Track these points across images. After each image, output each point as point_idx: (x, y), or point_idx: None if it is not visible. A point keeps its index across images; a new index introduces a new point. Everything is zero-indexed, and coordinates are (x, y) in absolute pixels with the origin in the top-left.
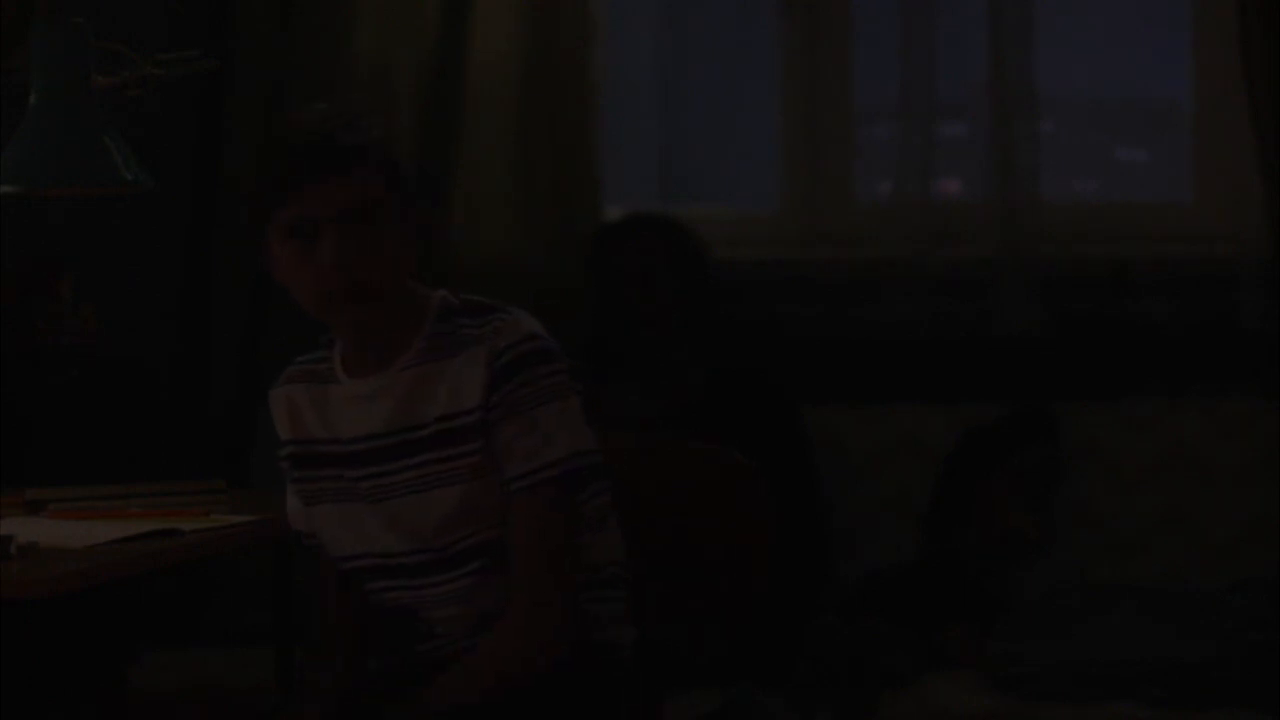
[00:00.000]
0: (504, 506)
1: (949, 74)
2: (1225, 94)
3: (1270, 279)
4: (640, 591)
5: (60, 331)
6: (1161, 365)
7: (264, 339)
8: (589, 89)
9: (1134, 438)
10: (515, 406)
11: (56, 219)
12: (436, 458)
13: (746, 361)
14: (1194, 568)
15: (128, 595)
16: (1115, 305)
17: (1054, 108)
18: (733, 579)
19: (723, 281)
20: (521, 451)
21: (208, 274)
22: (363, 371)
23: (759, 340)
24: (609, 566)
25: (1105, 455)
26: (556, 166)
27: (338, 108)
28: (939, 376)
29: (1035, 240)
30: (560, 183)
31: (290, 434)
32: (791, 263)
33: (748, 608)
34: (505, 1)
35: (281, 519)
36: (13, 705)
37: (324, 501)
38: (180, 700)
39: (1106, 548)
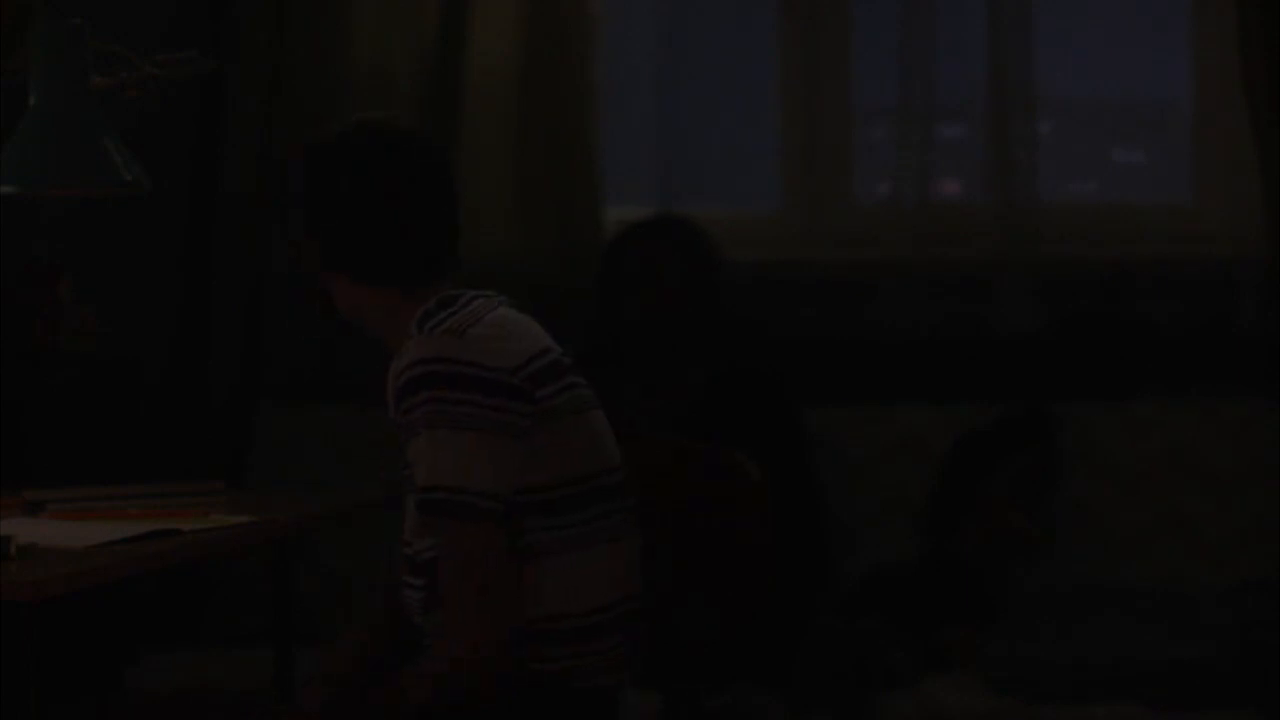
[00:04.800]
0: None
1: (948, 75)
2: (1224, 94)
3: (1269, 280)
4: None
5: (59, 332)
6: (1161, 366)
7: (263, 340)
8: (589, 89)
9: (1133, 439)
10: (405, 432)
11: (55, 220)
12: (405, 462)
13: (747, 361)
14: (1193, 569)
15: (127, 595)
16: (1115, 306)
17: (1053, 108)
18: (733, 579)
19: (723, 282)
20: (414, 475)
21: (207, 275)
22: None
23: (759, 340)
24: (588, 614)
25: (1105, 456)
26: (556, 167)
27: (308, 151)
28: (939, 377)
29: (1034, 241)
30: (560, 184)
31: None
32: (791, 263)
33: (748, 608)
34: (504, 3)
35: (278, 520)
36: (12, 705)
37: None
38: (179, 701)
39: (1106, 548)
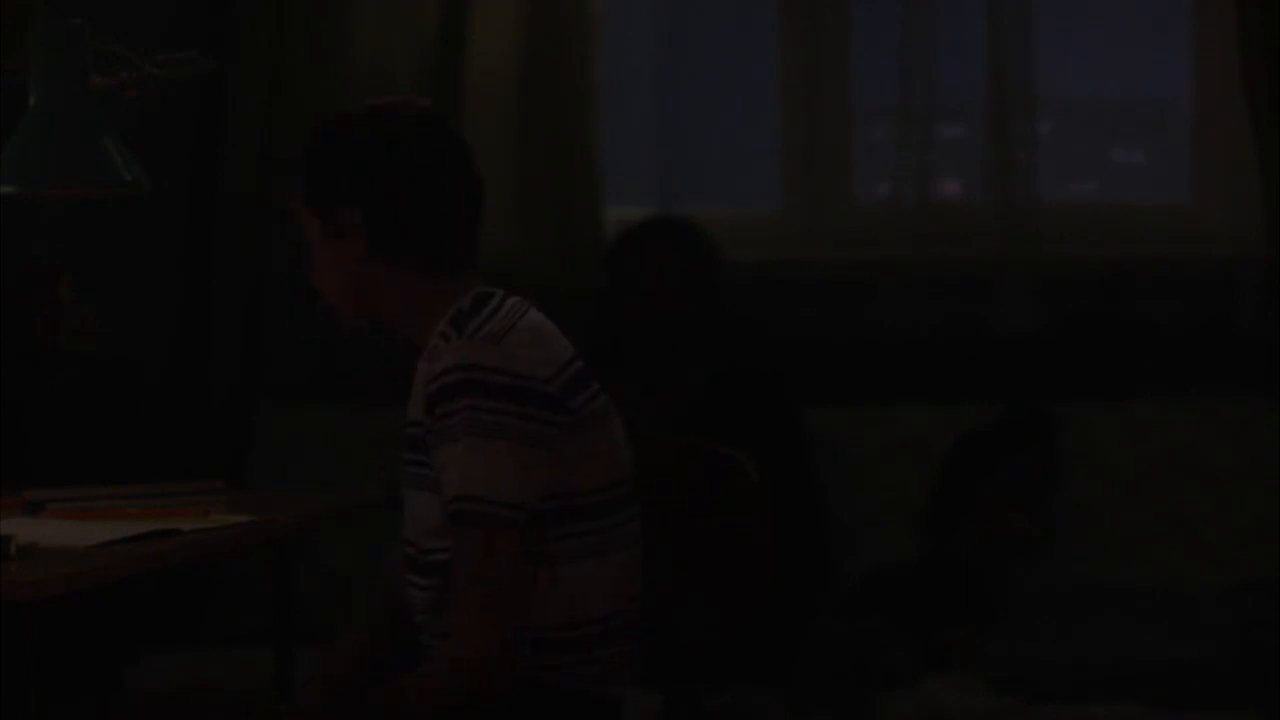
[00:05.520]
0: None
1: (948, 75)
2: (1224, 94)
3: (1269, 280)
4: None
5: (59, 333)
6: (1161, 366)
7: (263, 340)
8: (589, 89)
9: (1133, 439)
10: (437, 437)
11: (55, 220)
12: (424, 459)
13: (747, 362)
14: (1193, 569)
15: (127, 595)
16: (1115, 306)
17: (1053, 108)
18: (733, 579)
19: (723, 282)
20: (442, 484)
21: (207, 275)
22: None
23: (759, 340)
24: (599, 621)
25: (1105, 456)
26: (556, 167)
27: (317, 130)
28: (939, 376)
29: (1034, 241)
30: (560, 184)
31: None
32: (791, 263)
33: (748, 608)
34: (504, 3)
35: (278, 520)
36: (12, 705)
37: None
38: (179, 701)
39: (1106, 548)
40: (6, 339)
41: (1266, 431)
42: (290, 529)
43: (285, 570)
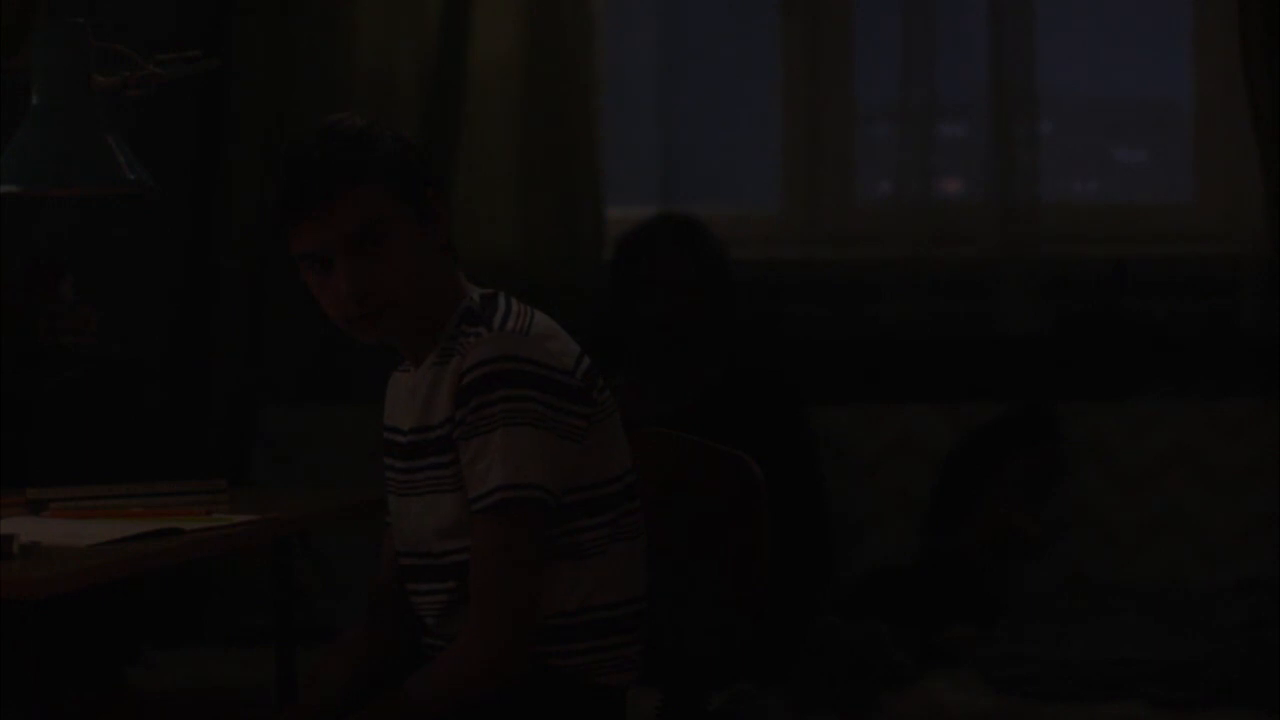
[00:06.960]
0: None
1: (949, 74)
2: (1225, 94)
3: (1270, 279)
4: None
5: (60, 332)
6: (1162, 365)
7: (264, 339)
8: (589, 89)
9: (1134, 437)
10: (470, 429)
11: (57, 219)
12: (441, 462)
13: (755, 361)
14: (1194, 568)
15: (129, 595)
16: (1116, 305)
17: (1054, 108)
18: (733, 579)
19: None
20: (472, 476)
21: (208, 274)
22: (414, 362)
23: (759, 340)
24: (609, 608)
25: (1106, 455)
26: (557, 167)
27: (335, 125)
28: (939, 376)
29: (1035, 240)
30: (561, 183)
31: (384, 419)
32: (792, 263)
33: (748, 608)
34: (506, 2)
35: (280, 519)
36: (13, 705)
37: (388, 491)
38: (180, 700)
39: (1106, 548)
40: (7, 338)
41: (1268, 430)
42: (292, 528)
43: (286, 570)
